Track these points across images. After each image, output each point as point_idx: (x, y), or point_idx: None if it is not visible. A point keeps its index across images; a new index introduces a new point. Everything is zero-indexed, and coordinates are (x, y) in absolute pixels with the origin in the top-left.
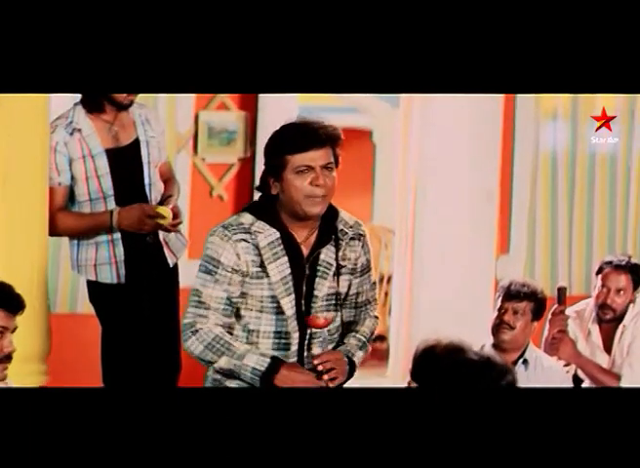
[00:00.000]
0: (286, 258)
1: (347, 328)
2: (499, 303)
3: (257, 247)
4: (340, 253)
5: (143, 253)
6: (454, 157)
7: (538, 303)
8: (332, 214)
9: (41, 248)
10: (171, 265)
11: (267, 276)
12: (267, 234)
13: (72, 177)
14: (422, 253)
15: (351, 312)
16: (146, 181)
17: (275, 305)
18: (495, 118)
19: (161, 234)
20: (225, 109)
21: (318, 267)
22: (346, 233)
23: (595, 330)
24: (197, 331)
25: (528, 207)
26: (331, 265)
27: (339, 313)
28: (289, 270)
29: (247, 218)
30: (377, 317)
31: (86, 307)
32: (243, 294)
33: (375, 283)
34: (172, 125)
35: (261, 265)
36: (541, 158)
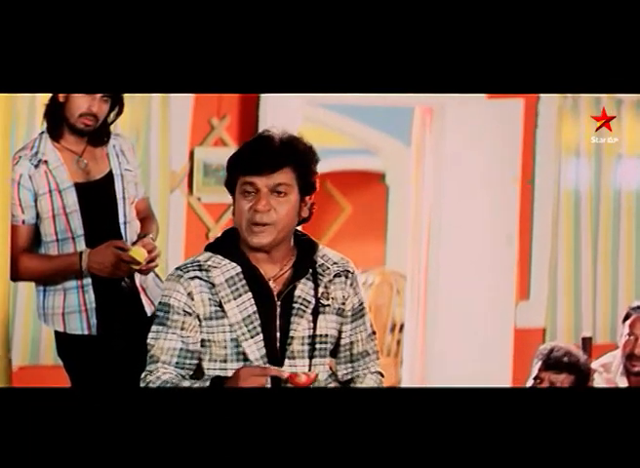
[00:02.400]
0: (249, 295)
1: (345, 386)
2: (535, 371)
3: (212, 284)
4: (321, 290)
5: (118, 301)
6: (470, 198)
7: (579, 376)
8: (309, 246)
9: (2, 294)
10: (148, 314)
11: (227, 316)
12: (225, 269)
13: (37, 215)
14: (437, 300)
15: (347, 368)
16: (121, 219)
17: (240, 350)
18: (513, 155)
19: (138, 279)
20: (222, 145)
21: (293, 304)
22: (328, 268)
23: (623, 383)
24: (146, 384)
25: (549, 250)
26: (309, 302)
27: (325, 360)
28: (254, 308)
29: (204, 255)
30: (380, 373)
31: None
32: (205, 342)
33: (374, 333)
34: (165, 162)
35: (220, 304)
36: (563, 198)
